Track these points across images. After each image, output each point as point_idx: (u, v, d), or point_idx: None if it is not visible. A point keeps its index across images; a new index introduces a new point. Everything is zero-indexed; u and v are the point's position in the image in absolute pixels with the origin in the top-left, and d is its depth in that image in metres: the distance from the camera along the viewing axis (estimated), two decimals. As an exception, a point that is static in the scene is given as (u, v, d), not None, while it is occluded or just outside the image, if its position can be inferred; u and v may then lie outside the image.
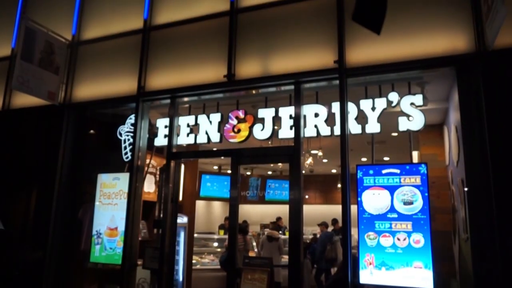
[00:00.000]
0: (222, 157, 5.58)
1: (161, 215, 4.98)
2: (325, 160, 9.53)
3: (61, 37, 5.79)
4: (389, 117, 4.18)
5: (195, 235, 7.21)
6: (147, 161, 5.35)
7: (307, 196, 12.47)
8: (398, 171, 4.01)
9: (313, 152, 8.21)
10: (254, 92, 4.86)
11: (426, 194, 3.86)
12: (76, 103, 5.77)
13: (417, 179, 3.93)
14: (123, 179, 5.27)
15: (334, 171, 12.25)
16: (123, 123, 5.53)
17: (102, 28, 5.84)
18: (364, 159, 7.87)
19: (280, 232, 9.14)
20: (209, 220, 12.38)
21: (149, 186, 5.95)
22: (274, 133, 4.59)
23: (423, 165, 3.98)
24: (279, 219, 9.98)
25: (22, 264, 5.49)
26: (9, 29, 6.61)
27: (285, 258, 8.13)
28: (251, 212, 12.01)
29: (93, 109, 5.77)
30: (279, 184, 12.01)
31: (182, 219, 6.05)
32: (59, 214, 5.49)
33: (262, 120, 4.64)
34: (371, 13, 2.93)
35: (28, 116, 6.07)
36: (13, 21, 6.63)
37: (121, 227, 5.09)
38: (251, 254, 7.79)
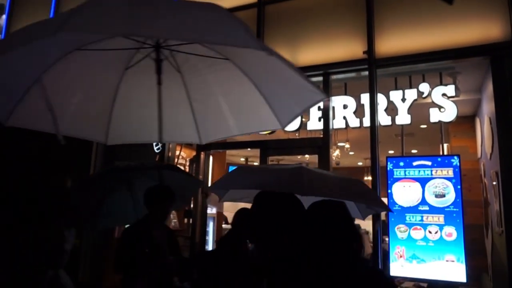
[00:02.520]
0: (249, 149, 5.60)
1: (192, 206, 5.06)
2: (351, 153, 9.40)
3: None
4: (418, 109, 4.09)
5: (223, 225, 7.29)
6: (177, 152, 5.43)
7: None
8: (429, 163, 3.92)
9: (340, 144, 8.12)
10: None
11: (459, 187, 3.76)
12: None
13: (449, 172, 3.84)
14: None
15: (360, 163, 12.07)
16: (154, 116, 5.62)
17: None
18: (391, 152, 7.73)
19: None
20: (235, 211, 12.45)
21: (179, 177, 6.04)
22: (302, 125, 4.56)
23: (455, 157, 3.87)
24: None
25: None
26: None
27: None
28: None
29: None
30: (305, 176, 11.96)
31: (211, 210, 6.13)
32: None
33: (290, 112, 4.61)
34: None
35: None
36: (47, 16, 6.82)
37: None
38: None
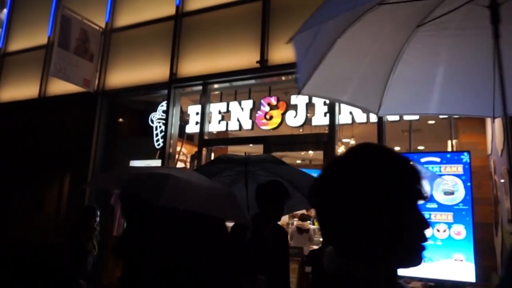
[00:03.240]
0: (251, 145, 5.54)
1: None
2: (356, 149, 9.32)
3: (95, 25, 5.87)
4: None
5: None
6: (178, 148, 5.37)
7: None
8: (438, 159, 3.84)
9: (345, 140, 8.04)
10: (285, 78, 4.77)
11: (469, 184, 3.68)
12: (109, 90, 5.86)
13: (458, 168, 3.76)
14: (155, 165, 5.31)
15: (365, 160, 12.00)
16: (155, 110, 5.57)
17: (134, 15, 5.87)
18: (397, 148, 7.63)
19: (309, 222, 9.04)
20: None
21: (180, 173, 5.99)
22: (307, 120, 4.49)
23: (465, 154, 3.80)
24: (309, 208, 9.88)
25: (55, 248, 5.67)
26: (45, 18, 6.76)
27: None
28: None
29: (125, 96, 5.85)
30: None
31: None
32: (92, 200, 5.61)
33: (295, 107, 4.55)
34: None
35: (63, 103, 6.21)
36: (49, 10, 6.77)
37: None
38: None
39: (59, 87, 6.19)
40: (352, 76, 2.03)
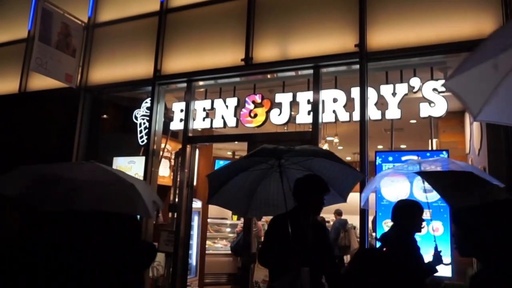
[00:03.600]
0: (236, 142, 5.57)
1: (176, 199, 5.02)
2: (340, 147, 9.45)
3: (77, 19, 5.79)
4: (408, 104, 4.10)
5: (209, 220, 7.26)
6: (163, 145, 5.37)
7: None
8: (418, 158, 3.94)
9: (329, 138, 8.15)
10: (270, 76, 4.82)
11: (447, 182, 3.79)
12: (92, 86, 5.80)
13: (438, 167, 3.86)
14: (139, 162, 5.30)
15: (349, 158, 12.14)
16: (139, 107, 5.54)
17: (118, 11, 5.82)
18: (380, 147, 7.78)
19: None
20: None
21: (164, 171, 5.99)
22: (291, 118, 4.55)
23: (444, 152, 3.90)
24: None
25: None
26: (25, 11, 6.63)
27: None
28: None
29: (109, 92, 5.80)
30: (292, 171, 11.98)
31: (196, 204, 6.09)
32: None
33: (279, 105, 4.60)
34: None
35: (45, 99, 6.12)
36: (29, 3, 6.65)
37: None
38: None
39: (41, 82, 6.09)
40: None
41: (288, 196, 2.60)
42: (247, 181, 2.81)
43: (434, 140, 6.33)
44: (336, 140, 8.11)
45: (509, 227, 1.36)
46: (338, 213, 8.65)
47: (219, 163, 10.35)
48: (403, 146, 8.34)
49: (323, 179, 2.61)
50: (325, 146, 8.08)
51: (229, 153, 11.90)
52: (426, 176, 3.04)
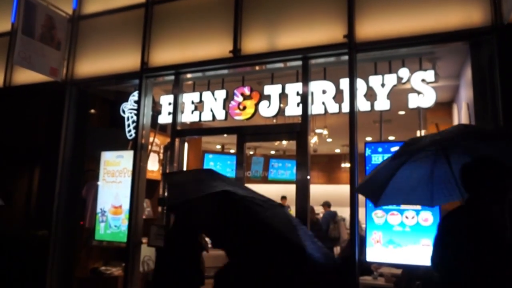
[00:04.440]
0: (225, 135, 5.50)
1: (166, 193, 4.94)
2: (329, 140, 9.45)
3: (62, 11, 5.63)
4: (397, 95, 4.08)
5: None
6: (151, 139, 5.27)
7: (308, 177, 12.49)
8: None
9: (318, 131, 8.12)
10: (258, 68, 4.74)
11: (436, 173, 3.78)
12: (78, 79, 5.65)
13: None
14: (127, 157, 5.21)
15: (338, 150, 12.18)
16: (126, 100, 5.42)
17: (103, 2, 5.66)
18: (369, 138, 7.77)
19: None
20: None
21: (153, 165, 5.90)
22: (281, 110, 4.49)
23: (433, 143, 3.88)
24: (283, 198, 9.97)
25: (27, 242, 5.48)
26: (9, 3, 6.43)
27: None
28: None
29: (95, 86, 5.66)
30: (282, 163, 11.93)
31: (186, 197, 6.01)
32: (62, 192, 5.41)
33: (268, 97, 4.54)
34: None
35: (30, 93, 5.95)
36: (12, -5, 6.44)
37: (126, 205, 5.05)
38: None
39: (25, 76, 5.92)
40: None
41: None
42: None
43: (423, 131, 6.36)
44: (325, 132, 8.09)
45: None
46: (327, 205, 8.65)
47: (209, 157, 10.28)
48: (391, 138, 8.36)
49: (500, 161, 2.15)
50: (314, 139, 8.07)
51: (218, 146, 11.81)
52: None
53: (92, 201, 5.42)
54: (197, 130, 5.75)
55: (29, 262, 5.36)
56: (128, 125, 5.34)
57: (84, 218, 5.49)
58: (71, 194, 5.51)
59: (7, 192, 5.72)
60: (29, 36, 5.30)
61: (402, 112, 6.18)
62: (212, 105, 4.79)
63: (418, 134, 5.59)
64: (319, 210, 9.12)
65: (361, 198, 3.94)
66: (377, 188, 2.69)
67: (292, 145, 4.39)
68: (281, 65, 4.57)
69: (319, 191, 10.49)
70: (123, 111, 5.42)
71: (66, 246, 5.39)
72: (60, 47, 5.64)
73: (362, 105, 4.09)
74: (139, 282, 5.06)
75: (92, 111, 5.85)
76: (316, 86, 4.35)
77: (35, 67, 5.35)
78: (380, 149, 4.00)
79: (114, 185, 5.27)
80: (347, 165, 11.70)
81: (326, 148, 11.29)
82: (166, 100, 5.08)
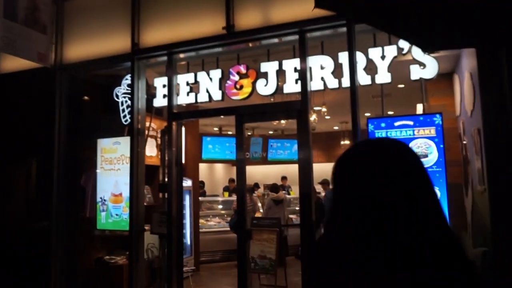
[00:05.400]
0: (222, 116, 5.33)
1: (166, 179, 4.82)
2: (327, 117, 9.27)
3: (45, -7, 5.36)
4: (397, 68, 3.90)
5: (200, 198, 7.09)
6: (147, 124, 5.11)
7: (310, 156, 12.39)
8: (411, 122, 3.78)
9: (316, 108, 7.95)
10: (253, 44, 4.54)
11: (442, 146, 3.66)
12: (67, 64, 5.42)
13: (431, 131, 3.72)
14: (124, 143, 5.05)
15: (336, 128, 12.03)
16: (119, 85, 5.22)
17: (89, -18, 5.40)
18: (367, 114, 7.61)
19: (284, 191, 9.03)
20: (212, 183, 12.30)
21: (151, 150, 5.75)
22: (279, 88, 4.32)
23: (437, 115, 3.75)
24: (284, 178, 9.89)
25: (29, 235, 5.38)
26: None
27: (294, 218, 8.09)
28: (254, 172, 11.91)
29: (86, 70, 5.44)
30: (281, 143, 11.80)
31: (187, 183, 5.90)
32: (61, 183, 5.29)
33: (265, 75, 4.35)
34: None
35: (18, 81, 5.71)
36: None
37: (126, 193, 4.93)
38: (257, 215, 7.73)
39: (12, 63, 5.71)
40: None
41: None
42: None
43: (424, 105, 6.20)
44: (324, 109, 7.92)
45: None
46: (326, 183, 8.55)
47: (206, 140, 10.11)
48: (390, 113, 8.20)
49: None
50: (313, 117, 7.89)
51: (216, 129, 11.65)
52: None
53: (92, 190, 5.30)
54: (194, 112, 5.57)
55: (32, 255, 5.28)
56: (123, 110, 5.15)
57: (85, 207, 5.37)
58: (70, 184, 5.38)
59: (6, 186, 5.59)
60: (12, 20, 5.02)
61: (401, 85, 6.01)
62: (208, 86, 4.61)
63: (419, 106, 5.44)
64: (319, 190, 9.04)
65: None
66: None
67: (290, 124, 4.24)
68: (276, 40, 4.37)
69: (318, 170, 10.41)
70: (117, 96, 5.23)
71: (68, 237, 5.30)
72: (46, 31, 5.36)
73: (362, 79, 3.92)
74: (145, 270, 4.99)
75: (86, 98, 5.65)
76: (314, 61, 4.16)
77: (22, 53, 5.09)
78: (383, 124, 3.85)
79: (112, 173, 5.13)
80: (347, 142, 11.60)
81: (325, 126, 11.11)
82: (160, 83, 4.89)
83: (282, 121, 8.58)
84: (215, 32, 4.41)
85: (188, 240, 6.05)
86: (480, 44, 2.75)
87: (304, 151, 4.15)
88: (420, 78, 3.83)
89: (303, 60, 4.14)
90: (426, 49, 2.71)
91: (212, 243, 6.89)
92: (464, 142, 5.06)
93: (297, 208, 8.11)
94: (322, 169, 5.63)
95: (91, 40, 5.27)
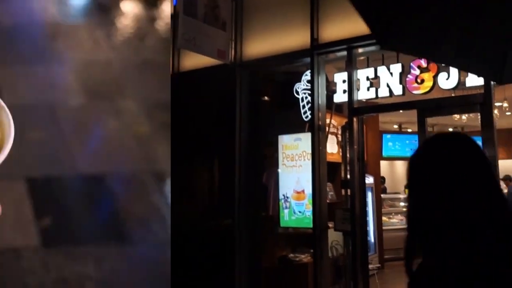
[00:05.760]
0: (401, 111, 8.47)
1: (348, 176, 8.21)
2: (508, 113, 12.08)
3: (224, -11, 8.84)
4: None
5: (382, 195, 10.68)
6: (327, 120, 8.50)
7: (495, 154, 15.35)
8: None
9: (497, 104, 10.74)
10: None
11: None
12: (247, 61, 9.10)
13: None
14: (305, 139, 8.58)
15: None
16: (299, 81, 8.79)
17: (268, -24, 8.77)
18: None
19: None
20: (393, 181, 17.65)
21: (332, 147, 9.21)
22: (460, 82, 7.23)
23: None
24: (507, 179, 12.69)
25: (215, 233, 9.18)
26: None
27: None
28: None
29: (265, 67, 9.02)
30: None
31: (369, 180, 9.34)
32: (242, 181, 8.70)
33: (446, 69, 7.29)
34: None
35: (199, 79, 9.61)
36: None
37: (308, 190, 8.43)
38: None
39: (192, 61, 9.64)
40: None
41: None
42: None
43: None
44: (505, 104, 10.71)
45: None
46: (509, 179, 11.29)
47: (387, 137, 14.27)
48: None
49: None
50: (495, 112, 10.79)
51: (396, 126, 15.87)
52: None
53: (274, 188, 9.05)
54: (375, 107, 8.66)
55: (216, 253, 8.98)
56: (303, 106, 8.77)
57: (267, 205, 9.16)
58: (251, 182, 9.10)
59: (190, 185, 9.71)
60: (192, 17, 8.22)
61: None
62: (388, 80, 7.85)
63: None
64: (501, 186, 12.07)
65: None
66: None
67: (471, 120, 7.12)
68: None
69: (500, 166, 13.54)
70: (297, 92, 8.89)
71: (251, 235, 8.92)
72: (225, 27, 8.84)
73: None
74: (329, 268, 8.39)
75: (265, 97, 9.43)
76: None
77: (201, 50, 8.44)
78: None
79: (294, 169, 8.82)
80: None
81: (507, 123, 14.83)
82: (340, 78, 8.33)
83: (463, 117, 11.61)
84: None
85: (372, 237, 9.62)
86: None
87: (488, 147, 6.98)
88: None
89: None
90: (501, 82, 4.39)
91: (396, 240, 10.30)
92: None
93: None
94: (503, 166, 8.30)
95: (270, 37, 8.93)
